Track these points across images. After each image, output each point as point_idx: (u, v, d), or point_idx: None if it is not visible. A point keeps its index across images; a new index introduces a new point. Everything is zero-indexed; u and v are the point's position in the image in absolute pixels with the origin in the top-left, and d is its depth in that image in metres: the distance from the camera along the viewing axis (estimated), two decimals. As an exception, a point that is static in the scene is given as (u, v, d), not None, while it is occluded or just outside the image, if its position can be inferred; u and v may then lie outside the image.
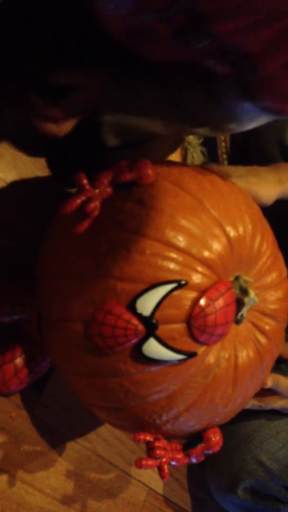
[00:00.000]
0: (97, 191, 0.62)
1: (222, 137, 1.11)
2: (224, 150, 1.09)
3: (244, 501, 0.89)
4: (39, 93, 0.62)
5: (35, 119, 0.63)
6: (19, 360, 0.72)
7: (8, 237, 0.74)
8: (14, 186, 0.76)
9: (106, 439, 0.84)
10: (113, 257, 0.62)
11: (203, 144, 1.07)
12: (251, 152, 1.06)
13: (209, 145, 1.07)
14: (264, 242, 0.70)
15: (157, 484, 0.92)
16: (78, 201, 0.61)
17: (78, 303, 0.63)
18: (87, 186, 0.62)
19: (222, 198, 0.67)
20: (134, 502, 0.88)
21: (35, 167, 0.78)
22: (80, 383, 0.66)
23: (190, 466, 0.98)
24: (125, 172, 0.64)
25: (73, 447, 0.79)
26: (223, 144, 1.11)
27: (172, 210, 0.63)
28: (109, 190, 0.64)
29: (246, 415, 0.90)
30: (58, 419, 0.78)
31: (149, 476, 0.91)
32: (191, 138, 1.06)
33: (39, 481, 0.75)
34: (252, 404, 0.82)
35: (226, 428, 0.76)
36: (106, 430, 0.84)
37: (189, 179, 0.67)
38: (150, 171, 0.64)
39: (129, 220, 0.63)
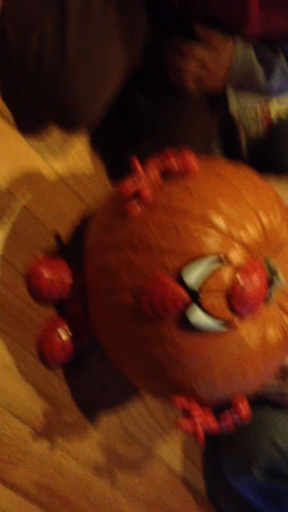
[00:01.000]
0: (149, 177, 0.71)
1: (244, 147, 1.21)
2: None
3: (259, 479, 0.95)
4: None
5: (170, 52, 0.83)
6: (65, 335, 0.79)
7: (57, 225, 0.82)
8: (62, 177, 0.83)
9: (133, 416, 0.90)
10: (162, 234, 0.69)
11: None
12: (267, 161, 1.15)
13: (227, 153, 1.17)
14: (289, 231, 0.78)
15: (176, 464, 0.99)
16: (135, 186, 0.69)
17: (128, 274, 0.70)
18: (142, 173, 0.70)
19: (256, 189, 0.75)
20: (155, 478, 0.94)
21: (81, 161, 0.86)
22: (125, 351, 0.73)
23: (207, 450, 1.05)
24: (172, 160, 0.72)
25: (105, 421, 0.86)
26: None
27: (214, 196, 0.71)
28: (157, 177, 0.73)
29: (261, 401, 0.98)
30: (94, 392, 0.84)
31: (170, 456, 0.97)
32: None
33: (75, 450, 0.81)
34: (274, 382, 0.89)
35: None
36: (135, 409, 0.91)
37: (228, 171, 0.76)
38: (194, 162, 0.73)
39: (176, 203, 0.71)
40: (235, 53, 0.83)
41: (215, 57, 0.83)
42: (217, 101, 0.90)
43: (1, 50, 0.75)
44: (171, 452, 0.98)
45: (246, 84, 0.87)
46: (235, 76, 0.85)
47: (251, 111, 1.23)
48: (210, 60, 0.83)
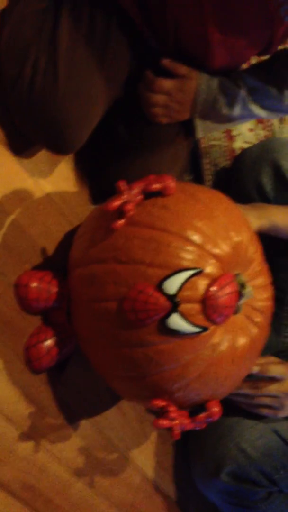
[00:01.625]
0: (131, 195, 0.78)
1: (208, 176, 1.30)
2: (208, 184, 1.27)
3: (227, 484, 1.01)
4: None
5: (142, 86, 0.91)
6: (50, 341, 0.84)
7: (43, 239, 0.88)
8: (50, 197, 0.90)
9: (110, 423, 0.95)
10: (144, 248, 0.76)
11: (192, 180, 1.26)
12: (231, 191, 1.23)
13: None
14: (256, 251, 0.86)
15: (149, 471, 1.03)
16: (119, 202, 0.76)
17: (112, 285, 0.77)
18: (126, 191, 0.77)
19: (227, 210, 0.83)
20: (130, 483, 0.98)
21: (67, 184, 0.93)
22: (108, 356, 0.79)
23: (177, 458, 1.10)
24: (153, 183, 0.79)
25: (85, 425, 0.90)
26: (208, 182, 1.30)
27: (190, 214, 0.79)
28: (140, 196, 0.80)
29: (229, 408, 1.04)
30: (74, 398, 0.89)
31: (144, 463, 1.02)
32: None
33: (58, 451, 0.85)
34: (247, 391, 0.96)
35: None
36: (111, 415, 0.95)
37: (201, 193, 0.83)
38: (172, 184, 0.80)
39: (157, 220, 0.78)
40: (200, 83, 0.91)
41: (181, 89, 0.91)
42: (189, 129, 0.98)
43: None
44: (145, 459, 1.03)
45: (210, 113, 0.95)
46: (199, 105, 0.93)
47: (219, 148, 1.33)
48: (176, 91, 0.91)
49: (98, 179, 0.99)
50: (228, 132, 1.38)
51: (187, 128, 0.97)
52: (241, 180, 1.26)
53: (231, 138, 1.39)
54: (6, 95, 0.80)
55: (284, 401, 0.98)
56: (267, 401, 0.99)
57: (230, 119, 0.97)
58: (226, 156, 1.36)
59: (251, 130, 1.45)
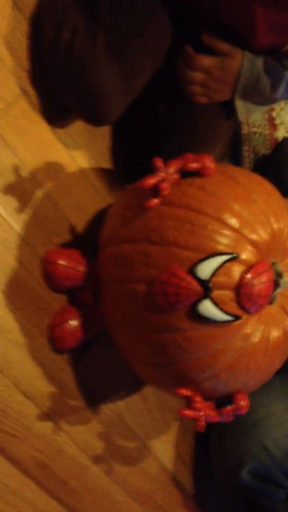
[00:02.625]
0: (168, 173, 0.74)
1: (247, 164, 1.26)
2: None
3: (247, 482, 0.97)
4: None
5: (181, 62, 0.86)
6: (75, 322, 0.81)
7: (74, 214, 0.85)
8: (84, 172, 0.87)
9: (131, 410, 0.93)
10: (179, 230, 0.73)
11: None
12: (269, 180, 1.19)
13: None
14: (296, 240, 0.82)
15: (169, 462, 1.00)
16: (155, 179, 0.73)
17: (144, 266, 0.73)
18: (163, 169, 0.73)
19: (267, 195, 0.79)
20: (148, 473, 0.96)
21: (103, 160, 0.90)
22: (134, 339, 0.76)
23: (197, 451, 1.07)
24: (191, 162, 0.76)
25: (105, 410, 0.88)
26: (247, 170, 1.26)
27: (228, 197, 0.75)
28: (177, 175, 0.76)
29: (255, 404, 1.00)
30: (96, 380, 0.87)
31: (163, 453, 0.99)
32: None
33: (75, 434, 0.83)
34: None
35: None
36: (132, 402, 0.93)
37: (242, 176, 0.79)
38: (211, 164, 0.76)
39: (193, 201, 0.74)
40: (243, 63, 0.86)
41: (222, 67, 0.86)
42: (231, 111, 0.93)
43: (35, 41, 0.78)
44: (164, 450, 1.00)
45: (252, 94, 0.90)
46: (241, 85, 0.88)
47: (260, 136, 1.28)
48: (217, 70, 0.86)
49: (134, 157, 0.96)
50: (271, 120, 1.34)
51: (229, 109, 0.93)
52: (280, 169, 1.21)
53: (273, 126, 1.34)
54: (44, 58, 0.77)
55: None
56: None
57: (272, 101, 0.92)
58: (267, 145, 1.32)
59: (295, 120, 1.40)
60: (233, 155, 1.25)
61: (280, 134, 1.35)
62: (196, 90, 0.87)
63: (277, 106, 1.38)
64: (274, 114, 1.36)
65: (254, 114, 1.00)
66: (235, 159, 1.25)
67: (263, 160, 1.31)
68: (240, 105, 0.91)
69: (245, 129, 1.27)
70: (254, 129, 1.29)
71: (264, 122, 1.31)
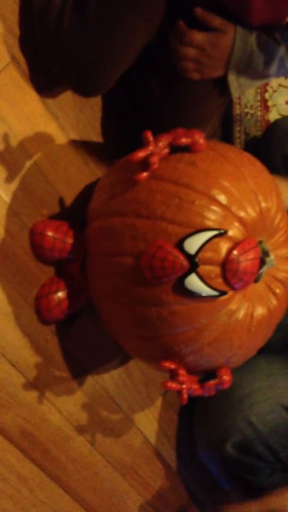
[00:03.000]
0: (157, 147, 0.74)
1: (238, 145, 1.26)
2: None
3: (231, 455, 0.99)
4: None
5: (173, 37, 0.85)
6: (62, 293, 0.82)
7: (63, 186, 0.85)
8: (74, 144, 0.86)
9: (116, 382, 0.94)
10: (167, 204, 0.73)
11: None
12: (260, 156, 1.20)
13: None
14: (283, 220, 0.82)
15: (152, 436, 1.02)
16: (144, 153, 0.73)
17: (131, 239, 0.74)
18: (152, 142, 0.73)
19: (257, 174, 0.79)
20: (131, 446, 0.97)
21: (93, 132, 0.90)
22: (120, 312, 0.77)
23: (181, 428, 1.09)
24: (182, 137, 0.76)
25: (90, 381, 0.89)
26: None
27: (218, 173, 0.75)
28: (167, 150, 0.76)
29: (240, 380, 1.02)
30: (81, 352, 0.87)
31: (147, 427, 1.00)
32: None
33: (60, 404, 0.83)
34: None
35: (221, 391, 0.87)
36: (117, 374, 0.94)
37: (232, 153, 0.79)
38: (202, 140, 0.76)
39: (182, 176, 0.75)
40: (236, 39, 0.85)
41: (214, 43, 0.85)
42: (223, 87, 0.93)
43: (26, 8, 0.77)
44: (148, 424, 1.01)
45: (245, 70, 0.89)
46: (234, 62, 0.87)
47: (252, 117, 1.28)
48: (209, 45, 0.85)
49: (125, 131, 0.95)
50: (263, 101, 1.33)
51: (222, 86, 0.92)
52: (269, 150, 1.21)
53: (266, 108, 1.34)
54: (35, 25, 0.76)
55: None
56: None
57: (265, 77, 0.92)
58: (258, 126, 1.32)
59: (287, 102, 1.40)
60: (225, 135, 1.25)
61: (272, 116, 1.35)
62: (188, 66, 0.87)
63: (270, 88, 1.38)
64: (267, 96, 1.36)
65: (247, 90, 0.99)
66: (227, 139, 1.25)
67: (254, 141, 1.31)
68: (233, 81, 0.90)
69: (237, 110, 1.26)
70: (246, 110, 1.29)
71: (256, 103, 1.31)
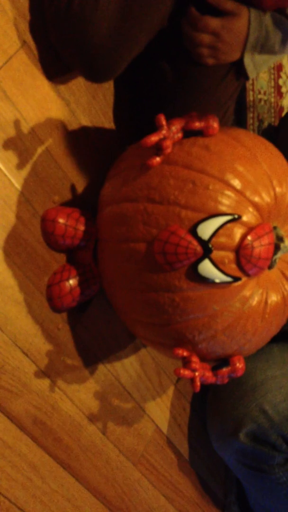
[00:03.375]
0: (171, 131, 0.73)
1: (252, 131, 1.24)
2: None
3: (245, 444, 0.98)
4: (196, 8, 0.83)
5: (186, 24, 0.84)
6: (73, 281, 0.81)
7: (75, 173, 0.84)
8: (85, 130, 0.85)
9: (128, 371, 0.93)
10: (180, 189, 0.72)
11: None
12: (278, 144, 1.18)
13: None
14: (298, 206, 0.81)
15: (163, 425, 1.01)
16: (157, 137, 0.72)
17: (144, 225, 0.73)
18: (165, 126, 0.72)
19: (272, 159, 0.78)
20: (143, 434, 0.96)
21: (104, 119, 0.88)
22: (132, 299, 0.76)
23: (192, 417, 1.08)
24: (195, 121, 0.74)
25: (102, 370, 0.88)
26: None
27: (231, 157, 0.74)
28: (180, 134, 0.75)
29: (253, 368, 1.01)
30: (93, 340, 0.87)
31: (158, 416, 1.00)
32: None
33: (72, 392, 0.83)
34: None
35: (234, 379, 0.86)
36: (129, 363, 0.93)
37: (245, 137, 0.78)
38: (216, 124, 0.75)
39: (196, 161, 0.73)
40: (250, 21, 0.83)
41: (229, 28, 0.83)
42: (239, 71, 0.91)
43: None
44: (160, 412, 1.00)
45: (261, 51, 0.88)
46: (251, 44, 0.85)
47: (266, 103, 1.26)
48: (224, 31, 0.83)
49: (137, 117, 0.94)
50: (277, 87, 1.31)
51: (236, 69, 0.91)
52: (285, 138, 1.20)
53: (280, 94, 1.31)
54: (45, 9, 0.75)
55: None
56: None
57: (280, 55, 0.90)
58: (272, 113, 1.30)
59: (301, 89, 1.38)
60: (238, 121, 1.23)
61: (286, 102, 1.33)
62: (203, 52, 0.85)
63: (283, 74, 1.36)
64: (280, 82, 1.34)
65: (263, 69, 0.97)
66: (240, 125, 1.24)
67: (268, 128, 1.29)
68: (249, 63, 0.88)
69: (250, 96, 1.25)
70: (260, 96, 1.27)
71: (270, 89, 1.29)
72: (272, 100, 1.29)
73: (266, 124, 1.27)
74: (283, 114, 1.31)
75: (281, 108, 1.30)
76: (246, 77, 0.91)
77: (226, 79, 0.91)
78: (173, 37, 0.86)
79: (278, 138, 1.19)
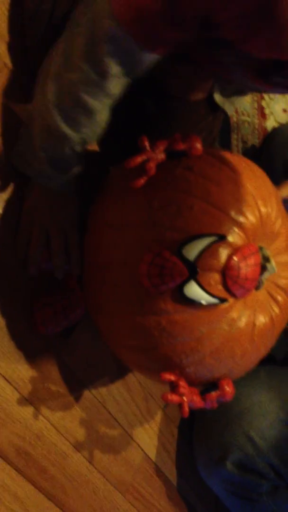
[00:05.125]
0: (154, 153, 0.73)
1: (236, 153, 1.24)
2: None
3: (231, 473, 0.96)
4: None
5: None
6: (57, 305, 0.79)
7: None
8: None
9: (114, 397, 0.91)
10: (164, 210, 0.71)
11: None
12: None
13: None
14: (283, 225, 0.81)
15: (152, 452, 0.99)
16: (140, 159, 0.71)
17: (128, 249, 0.72)
18: (148, 148, 0.72)
19: (256, 179, 0.78)
20: (131, 462, 0.94)
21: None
22: (118, 323, 0.74)
23: (181, 443, 1.05)
24: (179, 142, 0.74)
25: (87, 396, 0.86)
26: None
27: (216, 178, 0.73)
28: (163, 155, 0.74)
29: (239, 394, 0.99)
30: (78, 366, 0.84)
31: (146, 442, 0.97)
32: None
33: (57, 420, 0.80)
34: None
35: (220, 405, 0.84)
36: (115, 389, 0.91)
37: (230, 157, 0.78)
38: (199, 145, 0.75)
39: (180, 182, 0.73)
40: None
41: None
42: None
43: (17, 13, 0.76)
44: (148, 439, 0.98)
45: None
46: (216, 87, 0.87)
47: (249, 125, 1.27)
48: None
49: (121, 141, 0.93)
50: (260, 109, 1.32)
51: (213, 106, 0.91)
52: (269, 158, 1.20)
53: (263, 115, 1.33)
54: (25, 30, 0.75)
55: None
56: None
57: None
58: (256, 134, 1.30)
59: (284, 111, 1.39)
60: (222, 143, 1.23)
61: (270, 124, 1.34)
62: None
63: (266, 96, 1.37)
64: (263, 103, 1.35)
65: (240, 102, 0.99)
66: (224, 147, 1.24)
67: (252, 149, 1.30)
68: (221, 101, 0.89)
69: (234, 118, 1.25)
70: (243, 118, 1.28)
71: (253, 111, 1.30)
72: (256, 121, 1.30)
73: (249, 145, 1.28)
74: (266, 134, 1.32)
75: (265, 130, 1.31)
76: (225, 113, 0.91)
77: (206, 112, 0.91)
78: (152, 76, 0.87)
79: (262, 158, 1.20)
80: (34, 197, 0.76)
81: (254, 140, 1.28)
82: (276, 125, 1.32)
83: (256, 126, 1.29)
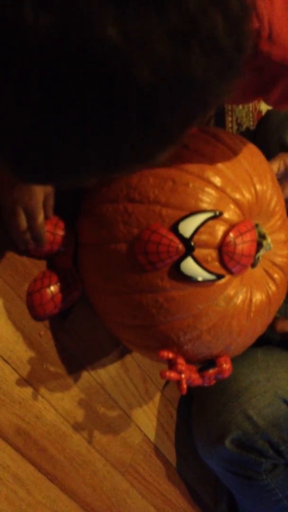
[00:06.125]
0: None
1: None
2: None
3: (230, 451, 0.96)
4: None
5: None
6: (55, 287, 0.79)
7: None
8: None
9: (113, 378, 0.91)
10: (160, 187, 0.71)
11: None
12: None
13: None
14: (279, 203, 0.81)
15: (151, 433, 0.99)
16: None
17: (124, 225, 0.71)
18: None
19: (252, 157, 0.77)
20: (130, 443, 0.94)
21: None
22: (115, 302, 0.74)
23: (180, 424, 1.06)
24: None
25: (86, 377, 0.86)
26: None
27: (212, 156, 0.73)
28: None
29: (236, 373, 0.99)
30: (77, 346, 0.84)
31: (145, 424, 0.97)
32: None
33: (56, 401, 0.81)
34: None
35: (218, 384, 0.84)
36: (114, 369, 0.91)
37: (225, 135, 0.77)
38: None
39: (175, 159, 0.73)
40: None
41: None
42: None
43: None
44: (147, 420, 0.98)
45: None
46: None
47: (244, 107, 1.27)
48: None
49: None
50: (254, 92, 1.32)
51: None
52: (265, 140, 1.20)
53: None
54: None
55: None
56: None
57: None
58: (250, 116, 1.30)
59: (278, 94, 1.38)
60: (217, 125, 1.23)
61: (264, 106, 1.33)
62: None
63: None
64: (257, 86, 1.34)
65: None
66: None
67: (247, 132, 1.29)
68: None
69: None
70: (238, 100, 1.27)
71: (247, 93, 1.30)
72: (250, 104, 1.29)
73: (244, 127, 1.27)
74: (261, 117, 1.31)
75: (259, 112, 1.30)
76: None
77: None
78: None
79: (256, 141, 1.20)
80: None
81: (248, 122, 1.27)
82: (270, 107, 1.32)
83: (251, 109, 1.28)
